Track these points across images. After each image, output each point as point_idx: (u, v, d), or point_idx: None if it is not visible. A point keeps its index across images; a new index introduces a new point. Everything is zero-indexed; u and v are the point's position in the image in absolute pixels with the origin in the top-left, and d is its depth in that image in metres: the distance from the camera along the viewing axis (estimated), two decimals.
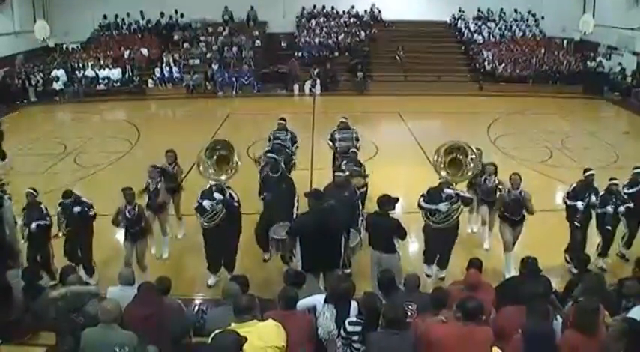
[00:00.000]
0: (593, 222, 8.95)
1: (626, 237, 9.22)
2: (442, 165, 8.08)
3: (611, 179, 8.79)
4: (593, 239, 9.05)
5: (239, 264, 8.68)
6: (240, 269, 8.30)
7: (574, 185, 8.92)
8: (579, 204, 8.60)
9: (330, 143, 11.30)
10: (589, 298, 5.43)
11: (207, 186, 8.29)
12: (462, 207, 8.16)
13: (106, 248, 9.38)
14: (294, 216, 9.08)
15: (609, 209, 8.52)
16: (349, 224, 7.82)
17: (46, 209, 8.56)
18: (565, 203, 8.90)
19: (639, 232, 9.24)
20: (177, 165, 10.07)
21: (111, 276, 7.50)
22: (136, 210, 8.39)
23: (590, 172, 8.83)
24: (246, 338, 3.94)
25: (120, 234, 8.98)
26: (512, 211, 8.61)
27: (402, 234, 7.70)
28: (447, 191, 7.97)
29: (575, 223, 8.73)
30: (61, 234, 8.56)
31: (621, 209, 8.52)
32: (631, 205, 8.55)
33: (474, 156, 8.07)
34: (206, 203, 8.07)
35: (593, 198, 8.59)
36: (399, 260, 7.80)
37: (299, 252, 7.34)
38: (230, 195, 8.25)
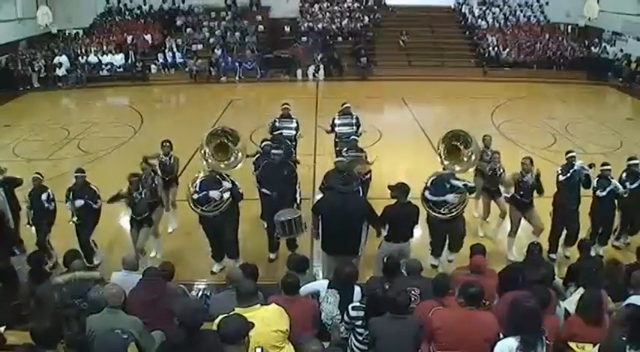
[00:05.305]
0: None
1: (618, 229, 9.17)
2: (442, 152, 7.92)
3: (603, 164, 8.71)
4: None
5: (244, 250, 8.58)
6: (245, 254, 8.34)
7: (558, 171, 8.73)
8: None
9: (329, 128, 11.09)
10: (592, 287, 5.45)
11: (206, 175, 7.90)
12: (468, 197, 7.99)
13: (109, 233, 9.40)
14: (298, 201, 9.05)
15: (601, 193, 8.50)
16: (369, 210, 7.47)
17: (52, 193, 8.61)
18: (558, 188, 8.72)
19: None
20: (172, 156, 9.69)
21: (114, 261, 7.52)
22: (143, 193, 8.29)
23: (572, 154, 8.69)
24: (253, 324, 3.93)
25: (123, 220, 8.95)
26: (524, 193, 8.58)
27: (417, 220, 7.66)
28: (453, 182, 7.76)
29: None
30: (75, 220, 8.42)
31: (603, 193, 8.50)
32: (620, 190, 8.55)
33: (473, 156, 7.85)
34: (214, 193, 7.68)
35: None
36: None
37: (321, 231, 7.30)
38: (232, 181, 7.99)
